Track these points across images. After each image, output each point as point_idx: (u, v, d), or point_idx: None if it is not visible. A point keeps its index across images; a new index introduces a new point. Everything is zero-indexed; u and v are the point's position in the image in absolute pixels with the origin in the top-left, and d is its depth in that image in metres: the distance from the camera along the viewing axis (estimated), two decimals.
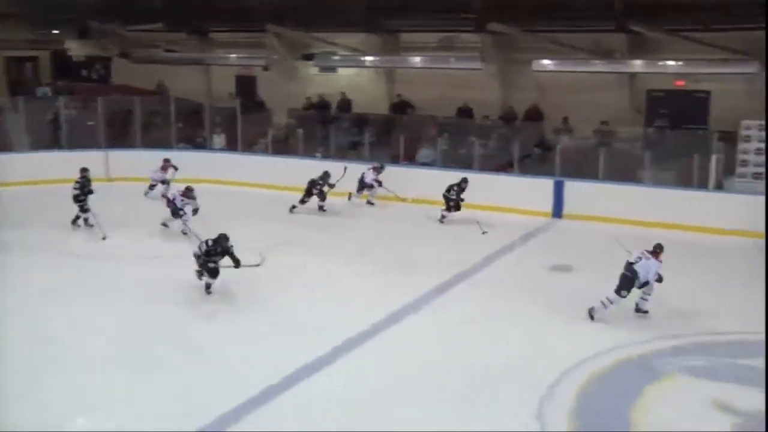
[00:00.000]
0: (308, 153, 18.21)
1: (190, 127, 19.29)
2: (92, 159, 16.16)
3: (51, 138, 18.24)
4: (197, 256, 9.88)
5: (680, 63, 16.56)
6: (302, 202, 15.05)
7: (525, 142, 16.53)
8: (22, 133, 17.87)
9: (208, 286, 9.90)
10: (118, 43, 24.16)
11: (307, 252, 12.32)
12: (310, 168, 16.56)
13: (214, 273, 9.77)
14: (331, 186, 15.03)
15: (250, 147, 18.97)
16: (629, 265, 9.33)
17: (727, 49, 15.70)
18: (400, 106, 19.66)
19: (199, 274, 9.96)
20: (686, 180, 14.55)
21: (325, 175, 15.01)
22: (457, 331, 9.07)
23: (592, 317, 9.41)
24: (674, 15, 15.93)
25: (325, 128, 18.80)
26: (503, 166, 16.26)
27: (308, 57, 20.95)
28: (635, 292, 9.40)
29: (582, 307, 9.57)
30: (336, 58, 20.81)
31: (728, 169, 14.79)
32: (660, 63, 16.94)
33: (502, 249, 12.81)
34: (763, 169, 14.64)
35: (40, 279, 10.61)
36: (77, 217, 13.22)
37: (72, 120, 18.56)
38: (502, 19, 17.55)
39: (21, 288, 10.24)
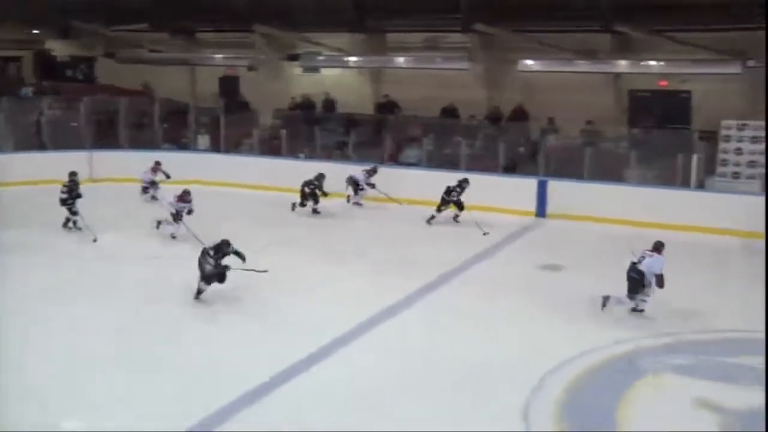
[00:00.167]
0: (294, 153, 18.20)
1: (176, 128, 19.23)
2: (76, 160, 16.10)
3: (36, 139, 18.13)
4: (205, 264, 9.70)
5: (663, 63, 16.72)
6: (302, 205, 14.93)
7: (511, 142, 16.59)
8: (6, 134, 17.74)
9: (200, 292, 9.76)
10: (103, 43, 24.07)
11: (303, 252, 12.33)
12: (294, 168, 16.62)
13: (221, 278, 9.68)
14: (325, 194, 14.91)
15: (235, 147, 18.95)
16: (633, 266, 9.38)
17: (709, 49, 15.85)
18: (387, 107, 19.68)
19: (207, 279, 9.78)
20: (669, 179, 14.68)
21: (320, 177, 14.93)
22: (448, 329, 9.13)
23: (603, 305, 9.51)
24: (658, 16, 16.07)
25: (310, 129, 18.80)
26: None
27: (293, 57, 20.97)
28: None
29: (571, 305, 9.71)
30: (321, 58, 20.86)
31: (709, 168, 14.95)
32: (643, 63, 17.11)
33: (490, 248, 12.89)
34: (741, 169, 14.86)
35: (40, 279, 10.61)
36: (68, 220, 13.16)
37: (56, 120, 18.47)
38: (489, 20, 17.64)
39: (21, 288, 10.24)
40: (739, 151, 14.89)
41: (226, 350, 8.42)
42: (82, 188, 13.32)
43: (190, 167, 16.75)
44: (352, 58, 20.45)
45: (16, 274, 10.76)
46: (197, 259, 9.69)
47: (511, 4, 17.25)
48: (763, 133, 14.77)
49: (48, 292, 10.09)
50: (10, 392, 7.26)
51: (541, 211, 15.05)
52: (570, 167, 15.46)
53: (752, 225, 13.09)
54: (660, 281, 9.20)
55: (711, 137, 15.23)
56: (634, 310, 9.58)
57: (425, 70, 19.39)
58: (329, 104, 20.39)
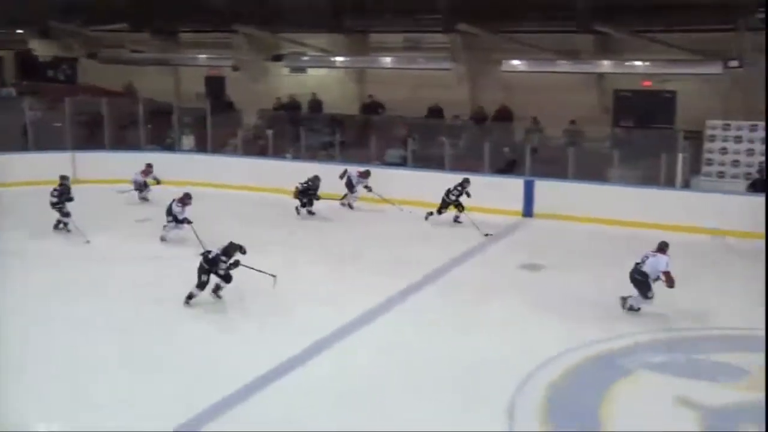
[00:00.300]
0: (279, 154, 18.14)
1: (160, 128, 19.11)
2: (59, 161, 15.98)
3: (23, 140, 17.94)
4: (208, 266, 9.64)
5: (647, 63, 16.88)
6: (303, 205, 14.84)
7: (495, 142, 16.63)
8: None
9: (218, 288, 9.77)
10: (85, 44, 23.88)
11: (300, 253, 12.32)
12: (281, 169, 16.55)
13: (227, 278, 9.67)
14: (317, 198, 14.84)
15: (220, 148, 18.85)
16: (636, 268, 9.42)
17: (690, 50, 16.01)
18: (372, 107, 19.68)
19: (216, 287, 9.79)
20: (654, 179, 14.79)
21: (315, 179, 14.83)
22: (438, 329, 9.16)
23: (624, 307, 9.56)
24: (638, 16, 16.20)
25: (296, 129, 18.75)
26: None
27: (278, 58, 20.94)
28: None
29: (559, 304, 9.80)
30: (305, 58, 20.82)
31: (694, 168, 15.08)
32: (627, 63, 17.24)
33: (478, 247, 12.94)
34: (726, 168, 15.03)
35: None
36: (59, 222, 13.06)
37: (38, 121, 18.30)
38: (471, 20, 17.67)
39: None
40: (724, 151, 15.07)
41: (226, 350, 8.46)
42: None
43: (174, 168, 16.65)
44: (338, 59, 20.46)
45: (16, 275, 10.72)
46: (199, 264, 9.62)
47: (494, 4, 17.29)
48: (745, 133, 14.97)
49: (48, 292, 10.08)
50: (10, 392, 7.26)
51: (528, 211, 15.10)
52: (554, 167, 15.53)
53: (738, 224, 13.25)
54: (669, 279, 9.24)
55: (695, 137, 15.37)
56: (630, 308, 9.57)
57: (409, 70, 19.41)
58: (315, 105, 20.36)
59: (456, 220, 14.34)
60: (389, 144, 17.89)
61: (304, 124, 18.92)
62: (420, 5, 18.59)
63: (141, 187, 15.66)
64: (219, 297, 9.79)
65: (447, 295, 10.47)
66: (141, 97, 20.27)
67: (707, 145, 15.24)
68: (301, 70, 21.13)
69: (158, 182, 15.68)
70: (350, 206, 15.64)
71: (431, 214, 14.40)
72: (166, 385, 7.57)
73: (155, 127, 18.99)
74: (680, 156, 14.63)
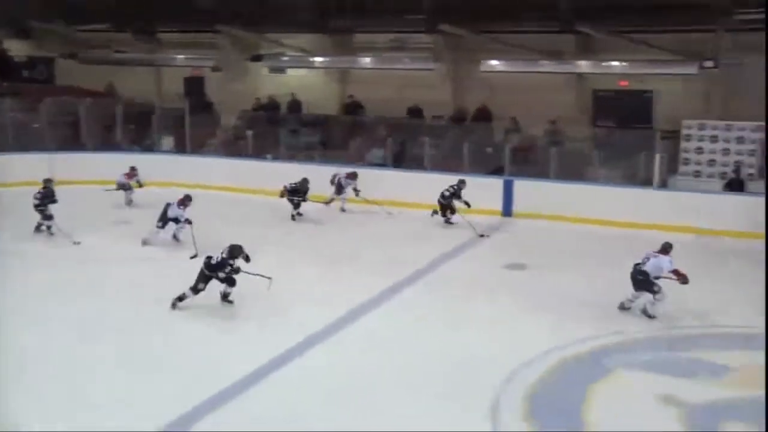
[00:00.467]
0: (259, 154, 18.10)
1: (141, 129, 18.99)
2: (37, 162, 15.86)
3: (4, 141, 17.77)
4: (209, 271, 9.61)
5: (624, 64, 16.98)
6: (295, 207, 14.71)
7: (476, 142, 16.69)
8: None
9: (226, 295, 9.77)
10: (65, 44, 23.64)
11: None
12: (261, 170, 16.50)
13: (231, 282, 9.65)
14: (304, 200, 14.74)
15: (198, 148, 18.77)
16: (636, 268, 9.41)
17: (666, 50, 16.15)
18: (352, 107, 19.68)
19: (224, 295, 9.80)
20: (632, 178, 14.91)
21: (304, 182, 14.69)
22: (423, 326, 9.25)
23: (622, 308, 9.64)
24: (620, 16, 16.28)
25: (275, 129, 18.70)
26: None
27: (257, 58, 20.86)
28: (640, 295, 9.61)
29: (541, 303, 9.91)
30: (285, 58, 20.76)
31: (671, 167, 15.24)
32: (604, 63, 17.34)
33: (459, 247, 13.01)
34: (702, 168, 15.19)
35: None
36: (39, 225, 12.97)
37: (16, 122, 18.13)
38: (453, 20, 17.72)
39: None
40: (699, 151, 15.24)
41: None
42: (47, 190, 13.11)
43: (156, 168, 16.53)
44: (318, 59, 20.42)
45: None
46: (200, 270, 9.58)
47: (475, 4, 17.34)
48: (720, 133, 15.15)
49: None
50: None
51: (507, 211, 15.17)
52: (533, 166, 15.60)
53: (714, 223, 13.43)
54: (680, 276, 9.25)
55: (673, 137, 15.53)
56: (646, 314, 9.48)
57: (391, 70, 19.41)
58: (295, 105, 20.31)
59: (447, 221, 14.31)
60: (371, 144, 17.91)
61: (283, 125, 18.90)
62: (403, 5, 18.59)
63: (125, 188, 15.54)
64: (231, 302, 9.77)
65: (435, 294, 10.55)
66: (122, 97, 20.14)
67: (683, 145, 15.40)
68: (282, 70, 21.07)
69: (141, 185, 15.54)
70: (342, 209, 15.52)
71: (435, 212, 14.39)
72: (164, 385, 7.59)
73: (137, 127, 18.88)
74: (657, 156, 14.79)
